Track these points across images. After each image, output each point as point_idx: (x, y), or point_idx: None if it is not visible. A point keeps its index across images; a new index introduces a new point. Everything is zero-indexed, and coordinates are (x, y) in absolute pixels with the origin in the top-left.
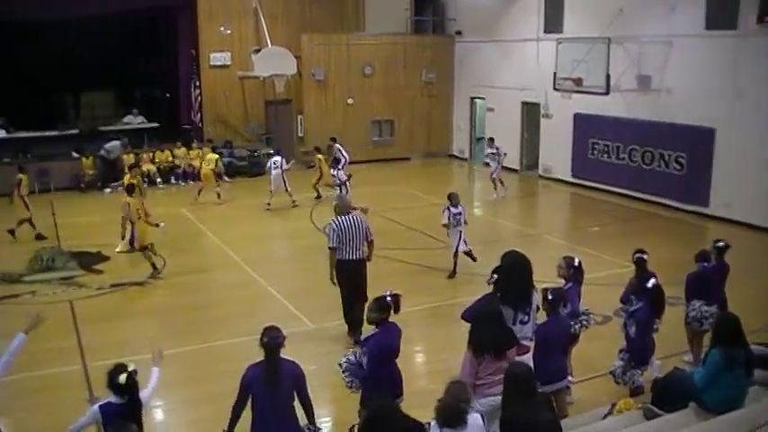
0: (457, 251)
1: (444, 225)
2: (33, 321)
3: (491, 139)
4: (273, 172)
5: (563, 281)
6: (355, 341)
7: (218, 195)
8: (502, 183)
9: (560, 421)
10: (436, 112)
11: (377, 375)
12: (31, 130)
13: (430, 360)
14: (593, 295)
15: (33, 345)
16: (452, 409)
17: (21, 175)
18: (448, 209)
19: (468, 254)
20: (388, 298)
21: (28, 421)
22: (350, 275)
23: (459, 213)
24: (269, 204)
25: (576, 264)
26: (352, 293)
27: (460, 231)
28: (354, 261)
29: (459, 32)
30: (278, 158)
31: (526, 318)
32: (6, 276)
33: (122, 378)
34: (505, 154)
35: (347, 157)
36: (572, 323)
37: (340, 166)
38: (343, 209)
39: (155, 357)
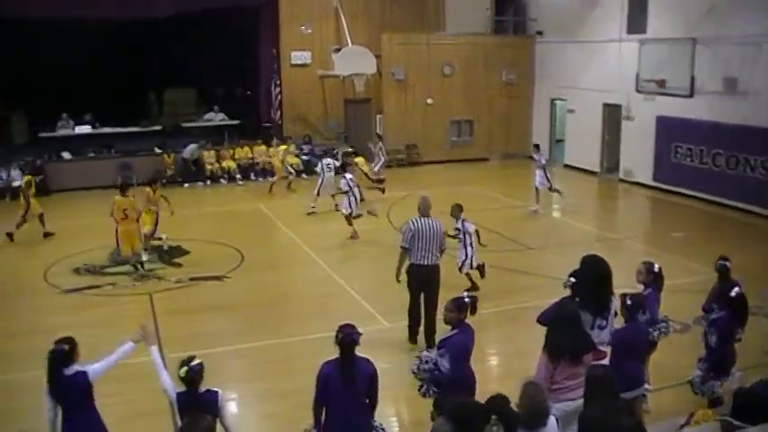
0: (461, 268)
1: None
2: (142, 333)
3: (536, 146)
4: (327, 174)
5: (642, 286)
6: (429, 346)
7: (288, 185)
8: (555, 190)
9: None
10: (516, 113)
11: (453, 377)
12: (116, 126)
13: (504, 363)
14: (674, 302)
15: (115, 335)
16: (536, 410)
17: (29, 177)
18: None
19: (469, 276)
20: (467, 299)
21: (109, 408)
22: (420, 280)
23: (458, 230)
24: (313, 207)
25: (656, 270)
26: (425, 299)
27: (465, 248)
28: (427, 266)
29: (540, 33)
30: (330, 161)
31: (604, 323)
32: (89, 267)
33: (182, 371)
34: (546, 159)
35: (385, 158)
36: (650, 330)
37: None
38: (424, 210)
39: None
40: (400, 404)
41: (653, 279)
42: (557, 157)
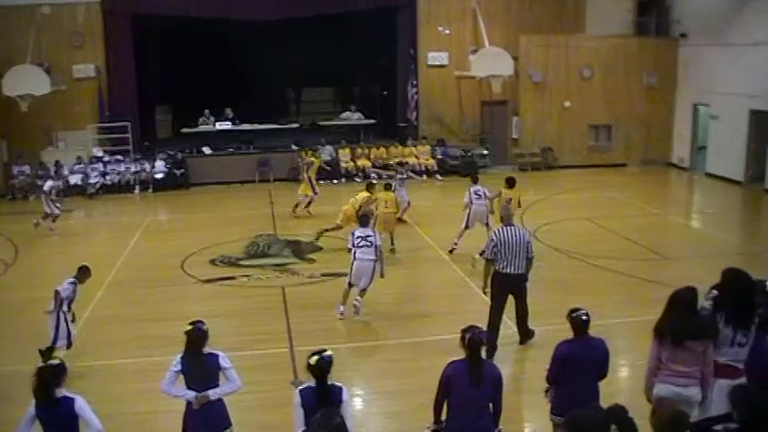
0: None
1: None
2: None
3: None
4: (476, 203)
5: None
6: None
7: None
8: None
9: None
10: (656, 119)
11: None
12: (255, 123)
13: (633, 375)
14: None
15: (247, 327)
16: (680, 421)
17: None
18: (352, 234)
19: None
20: (584, 317)
21: (237, 396)
22: (506, 289)
23: (368, 236)
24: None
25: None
26: (515, 309)
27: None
28: (510, 275)
29: (684, 35)
30: (479, 188)
31: (744, 340)
32: (225, 259)
33: (313, 359)
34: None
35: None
36: None
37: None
38: (507, 220)
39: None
40: (526, 411)
41: (764, 299)
42: (698, 164)
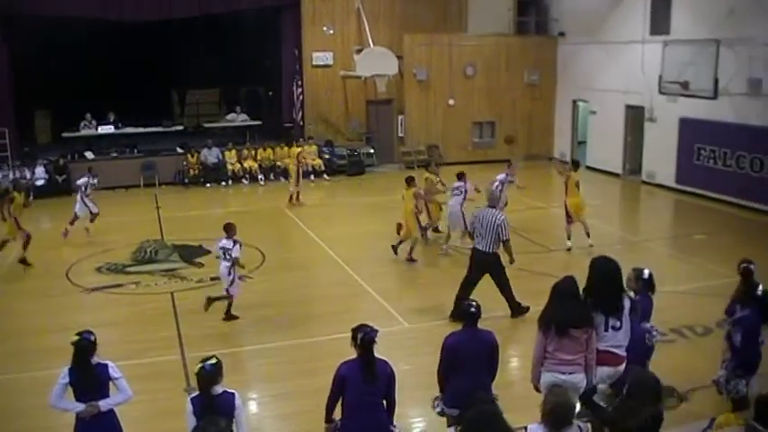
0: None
1: None
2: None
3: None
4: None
5: (632, 293)
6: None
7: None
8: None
9: None
10: (538, 115)
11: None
12: (139, 126)
13: (525, 366)
14: (696, 305)
15: (137, 334)
16: (561, 412)
17: (14, 193)
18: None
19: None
20: (472, 309)
21: (130, 406)
22: (474, 263)
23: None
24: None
25: (646, 276)
26: (471, 278)
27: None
28: (479, 252)
29: (562, 34)
30: (460, 184)
31: (618, 324)
32: (112, 266)
33: (196, 368)
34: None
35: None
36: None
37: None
38: (490, 201)
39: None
40: (420, 406)
41: (642, 286)
42: (579, 158)
